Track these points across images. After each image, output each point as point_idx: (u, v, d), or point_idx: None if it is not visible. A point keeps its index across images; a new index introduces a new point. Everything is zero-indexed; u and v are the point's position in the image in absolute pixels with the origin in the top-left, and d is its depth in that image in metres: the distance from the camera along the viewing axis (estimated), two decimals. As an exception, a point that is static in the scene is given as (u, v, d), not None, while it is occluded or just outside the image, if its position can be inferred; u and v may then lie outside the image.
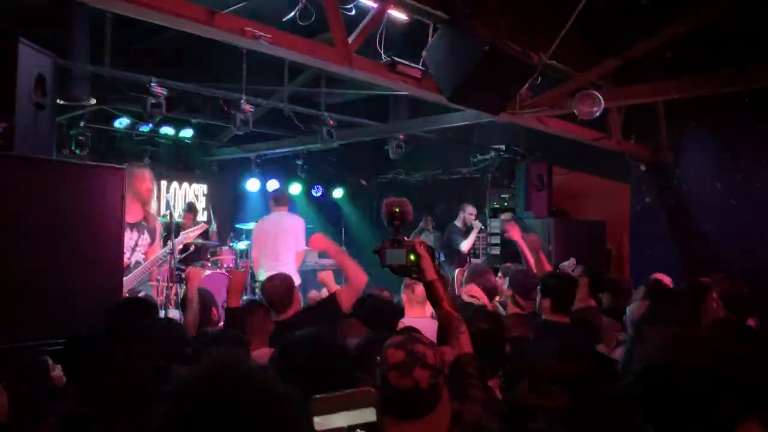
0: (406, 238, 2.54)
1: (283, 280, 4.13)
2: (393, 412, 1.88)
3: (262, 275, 6.45)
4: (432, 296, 2.50)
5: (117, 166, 4.19)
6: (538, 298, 3.98)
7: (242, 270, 6.83)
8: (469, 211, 8.41)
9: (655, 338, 1.74)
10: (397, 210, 2.81)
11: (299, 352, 2.13)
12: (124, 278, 4.84)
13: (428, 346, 1.94)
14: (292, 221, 7.29)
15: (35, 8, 6.14)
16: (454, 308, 2.49)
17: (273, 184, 10.91)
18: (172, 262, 5.37)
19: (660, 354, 1.61)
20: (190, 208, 9.24)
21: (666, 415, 1.53)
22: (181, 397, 1.18)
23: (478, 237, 8.40)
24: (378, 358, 1.96)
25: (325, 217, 11.73)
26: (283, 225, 7.21)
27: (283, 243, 7.07)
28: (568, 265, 5.54)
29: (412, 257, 2.47)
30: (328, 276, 4.67)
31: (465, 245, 8.13)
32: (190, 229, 5.91)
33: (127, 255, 4.94)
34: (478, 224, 8.35)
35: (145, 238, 5.13)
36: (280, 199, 7.49)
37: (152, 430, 1.16)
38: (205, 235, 7.61)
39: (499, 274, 5.10)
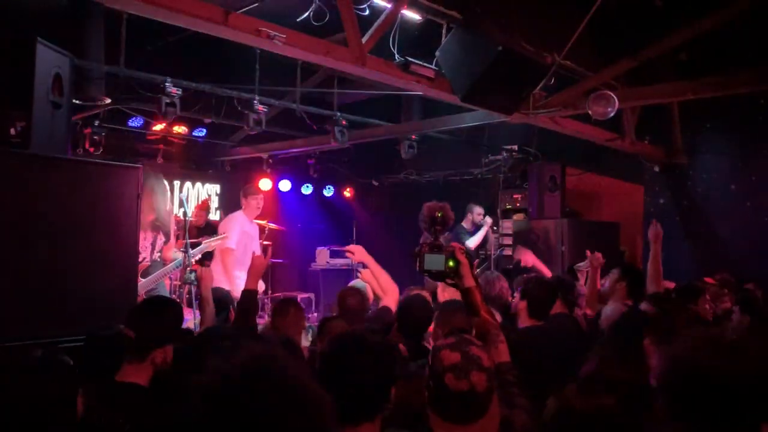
0: (444, 244, 2.50)
1: (359, 292, 4.18)
2: (446, 414, 1.87)
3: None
4: (469, 303, 2.45)
5: (133, 165, 4.20)
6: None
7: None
8: (477, 212, 8.41)
9: (683, 341, 1.73)
10: (439, 215, 2.80)
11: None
12: (144, 280, 4.89)
13: (481, 348, 1.93)
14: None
15: (52, 9, 6.20)
16: (491, 315, 2.45)
17: (285, 184, 10.96)
18: (188, 261, 5.40)
19: (691, 357, 1.61)
20: (203, 205, 9.28)
21: (697, 416, 1.53)
22: (214, 389, 1.18)
23: (486, 238, 8.43)
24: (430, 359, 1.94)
25: (336, 217, 11.76)
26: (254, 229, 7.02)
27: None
28: (584, 265, 5.51)
29: (451, 263, 2.43)
30: (369, 275, 4.65)
31: (473, 242, 8.18)
32: (211, 239, 5.97)
33: (145, 256, 4.98)
34: (489, 220, 8.38)
35: (161, 237, 5.16)
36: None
37: (183, 420, 1.17)
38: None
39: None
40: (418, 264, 2.48)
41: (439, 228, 2.58)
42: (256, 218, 7.31)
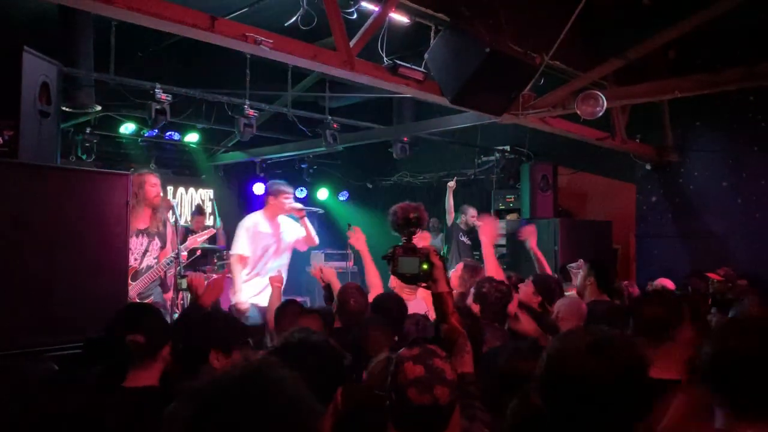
0: (419, 246, 2.40)
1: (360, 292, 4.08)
2: (407, 427, 1.84)
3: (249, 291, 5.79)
4: (440, 308, 2.36)
5: (121, 172, 4.21)
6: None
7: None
8: (471, 213, 8.41)
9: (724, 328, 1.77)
10: (413, 216, 2.74)
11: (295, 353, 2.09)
12: (134, 283, 4.89)
13: (444, 360, 1.88)
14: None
15: (40, 17, 6.20)
16: (460, 324, 2.37)
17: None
18: (178, 267, 5.39)
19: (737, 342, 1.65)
20: (199, 211, 9.28)
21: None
22: (210, 397, 1.18)
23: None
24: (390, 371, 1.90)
25: (330, 220, 11.75)
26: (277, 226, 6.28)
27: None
28: (575, 266, 5.52)
29: (425, 266, 2.32)
30: (332, 273, 4.62)
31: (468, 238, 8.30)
32: (197, 234, 5.91)
33: (138, 260, 4.98)
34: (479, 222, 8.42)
35: (157, 243, 5.15)
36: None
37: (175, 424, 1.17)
38: (212, 239, 7.63)
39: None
40: (391, 266, 2.39)
41: (414, 230, 2.51)
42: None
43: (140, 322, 2.59)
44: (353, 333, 3.33)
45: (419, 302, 4.36)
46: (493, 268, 4.54)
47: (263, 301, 5.40)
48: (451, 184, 8.53)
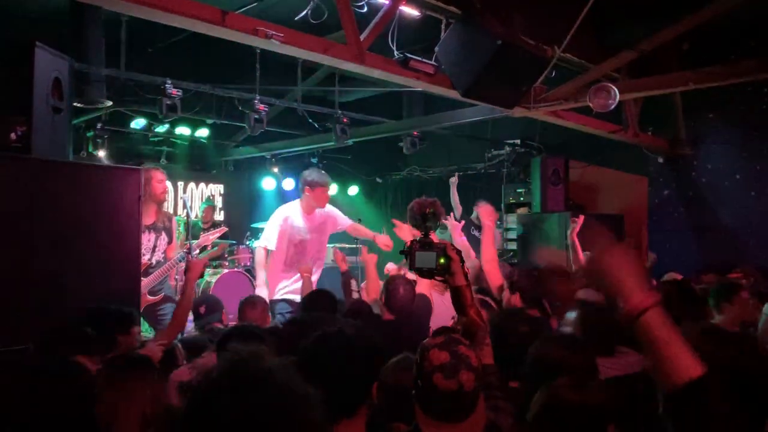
0: (436, 241, 2.41)
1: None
2: (434, 413, 1.88)
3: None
4: (458, 302, 2.36)
5: (133, 167, 4.22)
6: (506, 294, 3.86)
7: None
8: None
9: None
10: (430, 211, 2.74)
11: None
12: (145, 279, 4.91)
13: (469, 347, 1.93)
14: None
15: (51, 13, 6.22)
16: (480, 317, 2.37)
17: (289, 183, 10.96)
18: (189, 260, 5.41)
19: None
20: (209, 203, 9.29)
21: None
22: (201, 392, 1.19)
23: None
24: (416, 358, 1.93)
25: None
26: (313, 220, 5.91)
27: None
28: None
29: (442, 260, 2.33)
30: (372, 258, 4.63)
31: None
32: (209, 232, 5.91)
33: (147, 256, 5.00)
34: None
35: (164, 238, 5.17)
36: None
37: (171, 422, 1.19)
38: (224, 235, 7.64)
39: None
40: (408, 262, 2.39)
41: (430, 225, 2.52)
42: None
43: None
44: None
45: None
46: (490, 255, 4.35)
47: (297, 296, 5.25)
48: (453, 179, 8.42)
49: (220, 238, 7.48)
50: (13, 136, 3.62)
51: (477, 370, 1.87)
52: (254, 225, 9.65)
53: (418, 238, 2.41)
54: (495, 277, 4.11)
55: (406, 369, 2.16)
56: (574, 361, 2.20)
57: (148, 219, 5.00)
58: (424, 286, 3.92)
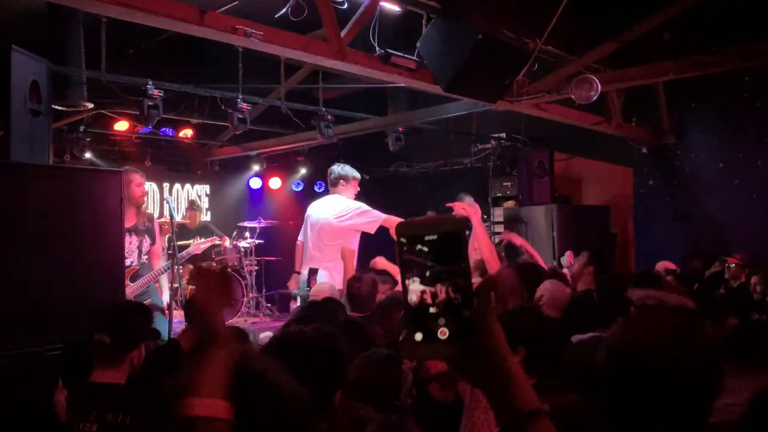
0: None
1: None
2: (429, 426, 1.77)
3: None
4: None
5: (114, 169, 4.19)
6: None
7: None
8: (469, 202, 8.28)
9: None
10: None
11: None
12: (131, 284, 4.88)
13: None
14: None
15: (29, 15, 6.15)
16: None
17: (275, 182, 10.93)
18: (176, 264, 5.38)
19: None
20: (192, 206, 9.25)
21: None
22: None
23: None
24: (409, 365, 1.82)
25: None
26: None
27: None
28: (566, 258, 5.53)
29: None
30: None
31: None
32: (200, 241, 5.94)
33: (132, 260, 4.97)
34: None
35: (146, 240, 5.14)
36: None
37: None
38: (209, 235, 7.60)
39: None
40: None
41: None
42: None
43: (110, 323, 2.57)
44: None
45: None
46: (487, 250, 4.40)
47: None
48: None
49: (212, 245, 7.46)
50: (-10, 140, 3.59)
51: None
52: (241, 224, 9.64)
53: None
54: (496, 268, 4.15)
55: (375, 362, 2.09)
56: None
57: (128, 222, 4.96)
58: None
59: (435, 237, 0.86)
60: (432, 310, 0.85)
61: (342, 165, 6.10)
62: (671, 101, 7.82)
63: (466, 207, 4.75)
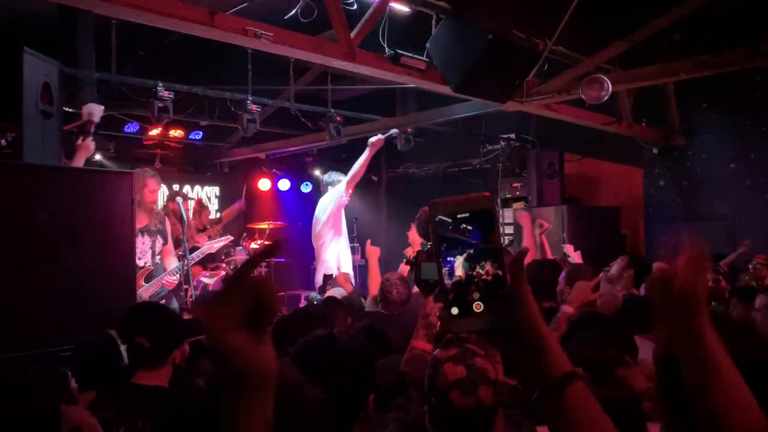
0: None
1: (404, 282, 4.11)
2: None
3: None
4: None
5: (125, 171, 4.20)
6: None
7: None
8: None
9: None
10: None
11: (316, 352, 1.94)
12: (147, 285, 4.90)
13: (485, 358, 1.75)
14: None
15: (41, 18, 6.19)
16: None
17: (284, 183, 10.95)
18: (187, 265, 5.41)
19: None
20: (200, 206, 9.27)
21: None
22: (213, 393, 1.18)
23: None
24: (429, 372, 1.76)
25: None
26: None
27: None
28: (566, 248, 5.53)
29: None
30: (345, 278, 4.67)
31: None
32: (214, 240, 6.00)
33: (146, 261, 4.99)
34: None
35: (159, 241, 5.16)
36: None
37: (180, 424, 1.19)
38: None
39: None
40: (414, 274, 2.20)
41: None
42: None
43: (147, 325, 2.55)
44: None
45: None
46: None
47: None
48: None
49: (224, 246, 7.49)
50: (3, 142, 3.62)
51: (495, 383, 1.72)
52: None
53: (425, 248, 2.26)
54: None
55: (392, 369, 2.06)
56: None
57: (139, 223, 4.99)
58: None
59: (467, 215, 0.91)
60: (467, 284, 0.90)
61: (330, 172, 6.78)
62: (682, 102, 7.78)
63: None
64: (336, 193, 6.52)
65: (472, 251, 0.90)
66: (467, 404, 1.68)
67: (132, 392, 2.42)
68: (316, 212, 6.71)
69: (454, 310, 0.90)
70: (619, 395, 1.75)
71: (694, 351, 1.07)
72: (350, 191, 6.51)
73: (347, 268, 6.50)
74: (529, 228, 4.80)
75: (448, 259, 0.91)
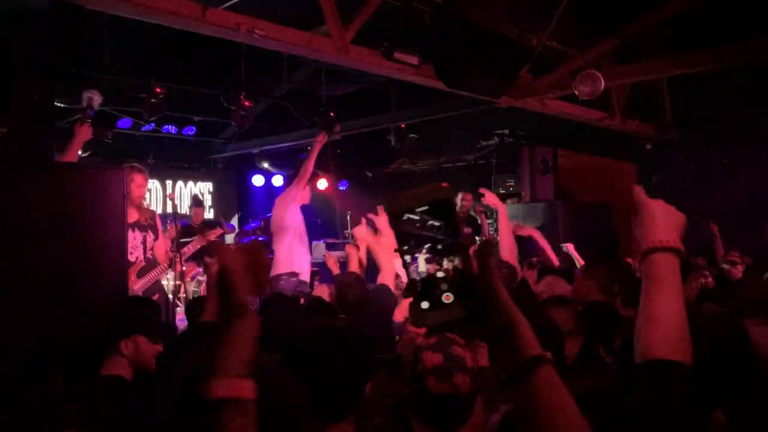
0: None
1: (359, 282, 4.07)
2: (428, 419, 1.79)
3: None
4: None
5: (117, 166, 4.18)
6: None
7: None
8: (466, 198, 7.91)
9: None
10: None
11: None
12: (140, 281, 4.89)
13: (464, 347, 1.81)
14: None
15: (33, 13, 6.14)
16: None
17: (278, 179, 10.93)
18: (180, 261, 5.38)
19: None
20: (197, 203, 9.26)
21: None
22: (192, 380, 1.18)
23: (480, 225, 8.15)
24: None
25: (331, 210, 11.73)
26: None
27: None
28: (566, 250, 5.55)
29: None
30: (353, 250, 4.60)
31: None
32: (206, 233, 5.96)
33: (138, 256, 4.97)
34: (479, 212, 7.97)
35: (150, 236, 5.14)
36: None
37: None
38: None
39: None
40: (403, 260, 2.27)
41: None
42: None
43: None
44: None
45: None
46: (508, 245, 4.40)
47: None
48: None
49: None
50: (-7, 137, 3.59)
51: (472, 371, 1.78)
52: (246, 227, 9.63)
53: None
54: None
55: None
56: None
57: (130, 218, 4.96)
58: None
59: (426, 207, 0.91)
60: (434, 277, 0.91)
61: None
62: (675, 97, 7.79)
63: (497, 201, 4.79)
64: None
65: (436, 246, 0.90)
66: (443, 390, 1.74)
67: (94, 381, 2.56)
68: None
69: (425, 305, 0.90)
70: None
71: None
72: (302, 191, 6.51)
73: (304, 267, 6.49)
74: (506, 221, 4.68)
75: (414, 256, 0.90)
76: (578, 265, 5.65)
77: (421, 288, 0.90)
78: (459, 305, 0.90)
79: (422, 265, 0.89)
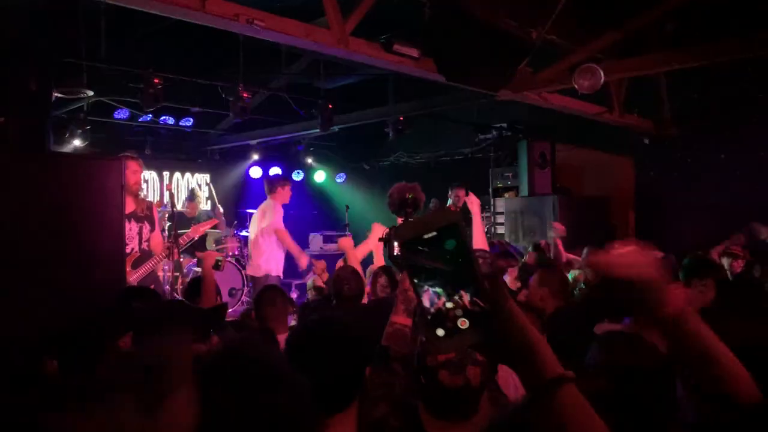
0: None
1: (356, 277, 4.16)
2: (440, 412, 1.80)
3: None
4: None
5: (115, 157, 4.16)
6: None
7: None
8: (459, 193, 7.89)
9: None
10: (410, 196, 2.66)
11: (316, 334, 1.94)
12: (136, 271, 4.88)
13: None
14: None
15: (29, 3, 6.10)
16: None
17: (275, 171, 10.91)
18: (177, 252, 5.37)
19: None
20: (193, 196, 9.25)
21: None
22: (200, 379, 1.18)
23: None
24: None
25: (328, 202, 11.73)
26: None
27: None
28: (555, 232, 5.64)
29: None
30: (348, 242, 4.62)
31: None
32: (200, 224, 5.96)
33: (133, 246, 4.96)
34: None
35: (146, 227, 5.13)
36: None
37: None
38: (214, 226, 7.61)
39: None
40: (387, 251, 2.31)
41: (410, 210, 2.45)
42: None
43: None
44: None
45: None
46: (481, 238, 4.59)
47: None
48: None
49: (212, 228, 7.46)
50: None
51: (483, 364, 1.79)
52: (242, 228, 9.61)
53: (397, 224, 2.34)
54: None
55: None
56: None
57: (126, 208, 4.95)
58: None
59: (434, 234, 0.88)
60: (447, 305, 0.87)
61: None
62: (673, 92, 7.79)
63: (474, 200, 4.81)
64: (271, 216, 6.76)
65: (447, 277, 0.88)
66: (456, 383, 1.75)
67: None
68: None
69: (440, 332, 0.88)
70: None
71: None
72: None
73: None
74: (479, 215, 4.77)
75: (426, 287, 0.88)
76: (563, 260, 5.70)
77: (432, 316, 0.87)
78: (474, 330, 0.87)
79: (424, 295, 0.88)
